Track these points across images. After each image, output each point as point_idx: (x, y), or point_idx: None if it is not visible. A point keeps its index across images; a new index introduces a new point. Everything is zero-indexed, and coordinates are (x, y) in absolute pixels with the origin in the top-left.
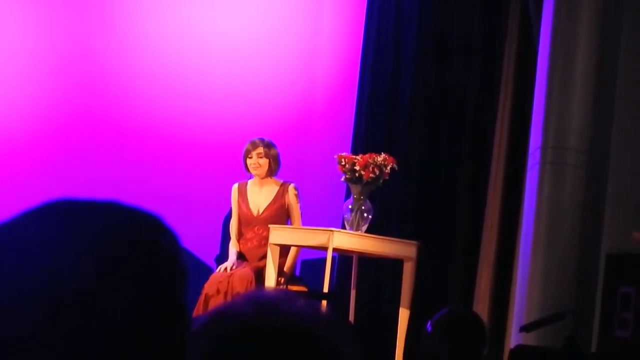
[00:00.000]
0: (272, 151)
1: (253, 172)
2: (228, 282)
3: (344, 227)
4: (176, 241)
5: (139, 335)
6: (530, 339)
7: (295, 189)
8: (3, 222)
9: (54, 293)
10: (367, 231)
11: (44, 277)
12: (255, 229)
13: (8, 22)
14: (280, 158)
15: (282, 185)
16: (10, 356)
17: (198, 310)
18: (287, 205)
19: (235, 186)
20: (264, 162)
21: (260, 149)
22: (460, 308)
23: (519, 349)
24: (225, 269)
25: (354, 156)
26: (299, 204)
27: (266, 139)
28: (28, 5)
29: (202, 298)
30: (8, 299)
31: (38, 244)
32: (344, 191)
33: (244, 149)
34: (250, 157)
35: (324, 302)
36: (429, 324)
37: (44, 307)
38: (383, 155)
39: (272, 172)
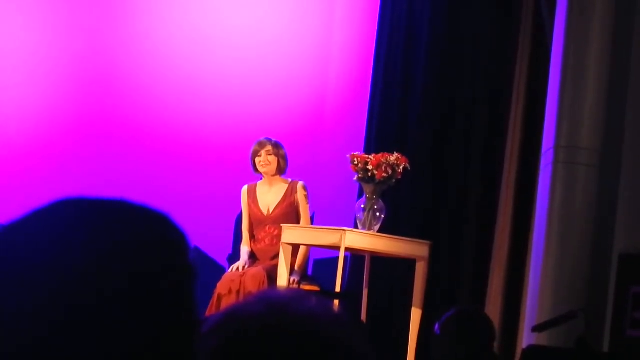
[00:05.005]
0: (281, 151)
1: (262, 170)
2: (240, 282)
3: (356, 227)
4: (185, 239)
5: (148, 334)
6: (542, 339)
7: (304, 187)
8: (13, 221)
9: (61, 290)
10: (380, 231)
11: (53, 275)
12: (267, 228)
13: (15, 24)
14: (288, 158)
15: (290, 183)
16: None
17: (211, 310)
18: (296, 203)
19: (245, 188)
20: (273, 159)
21: (269, 147)
22: (467, 308)
23: (531, 349)
24: (238, 268)
25: (367, 155)
26: (307, 202)
27: (273, 139)
28: (33, 5)
29: (214, 297)
30: (15, 296)
31: (47, 242)
32: (357, 190)
33: (252, 150)
34: (259, 156)
35: (337, 302)
36: (436, 325)
37: (51, 305)
38: (396, 154)
39: (280, 170)
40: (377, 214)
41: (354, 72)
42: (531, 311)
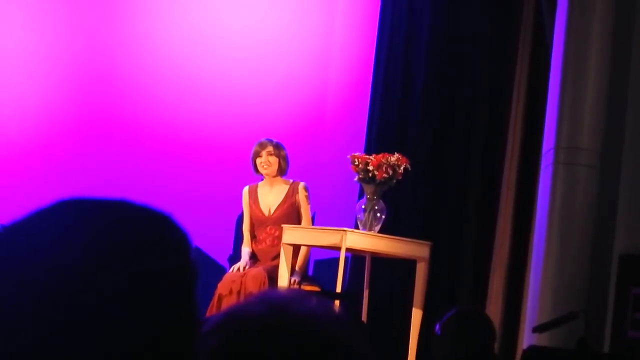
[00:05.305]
0: (282, 152)
1: (263, 171)
2: (241, 282)
3: (357, 227)
4: (186, 238)
5: (148, 334)
6: (543, 339)
7: (305, 188)
8: (14, 221)
9: (61, 290)
10: (380, 231)
11: (53, 275)
12: (268, 229)
13: (15, 24)
14: (289, 159)
15: (292, 184)
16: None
17: (212, 310)
18: (298, 203)
19: (246, 189)
20: (274, 160)
21: (270, 148)
22: (467, 308)
23: (532, 350)
24: (238, 269)
25: (367, 156)
26: (309, 203)
27: (274, 140)
28: (33, 5)
29: (215, 298)
30: (15, 296)
31: (47, 242)
32: (357, 191)
33: (252, 151)
34: (260, 157)
35: (337, 302)
36: (437, 326)
37: (51, 305)
38: (396, 155)
39: (282, 171)
40: (378, 214)
41: (354, 72)
42: (532, 311)
